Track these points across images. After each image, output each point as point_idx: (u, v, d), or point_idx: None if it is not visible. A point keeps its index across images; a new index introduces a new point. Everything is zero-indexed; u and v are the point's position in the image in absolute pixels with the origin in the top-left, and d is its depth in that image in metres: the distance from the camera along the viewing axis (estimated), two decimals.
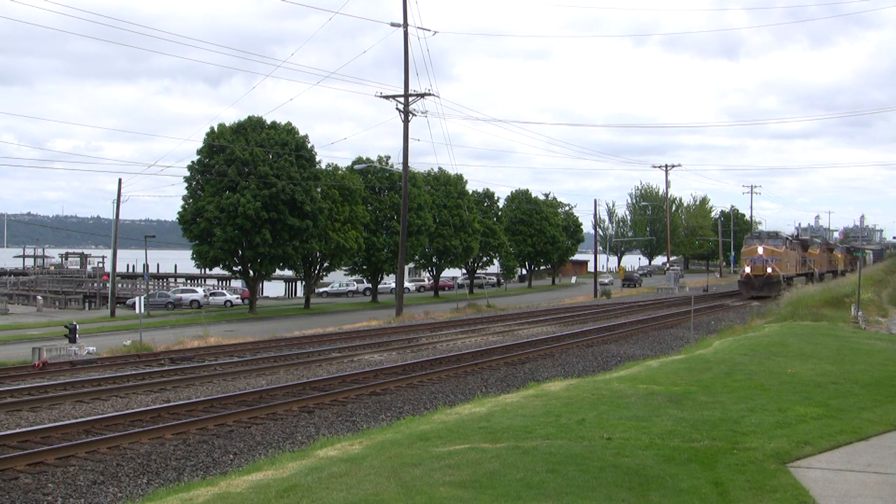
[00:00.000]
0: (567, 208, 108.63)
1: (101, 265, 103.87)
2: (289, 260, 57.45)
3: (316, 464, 9.87)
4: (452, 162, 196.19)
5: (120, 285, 74.76)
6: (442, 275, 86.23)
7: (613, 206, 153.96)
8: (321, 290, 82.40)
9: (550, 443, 10.17)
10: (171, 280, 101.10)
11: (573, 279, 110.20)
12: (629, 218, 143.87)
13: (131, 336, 35.10)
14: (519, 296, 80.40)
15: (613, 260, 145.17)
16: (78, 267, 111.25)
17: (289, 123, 58.42)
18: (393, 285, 67.78)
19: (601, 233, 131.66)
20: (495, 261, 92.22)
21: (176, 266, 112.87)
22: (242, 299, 70.19)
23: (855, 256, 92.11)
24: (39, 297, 74.33)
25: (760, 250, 56.30)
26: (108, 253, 65.58)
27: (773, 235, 60.13)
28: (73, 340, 28.40)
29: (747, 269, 56.85)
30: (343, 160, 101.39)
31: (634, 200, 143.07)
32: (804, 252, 66.50)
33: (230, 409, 17.30)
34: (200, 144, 56.22)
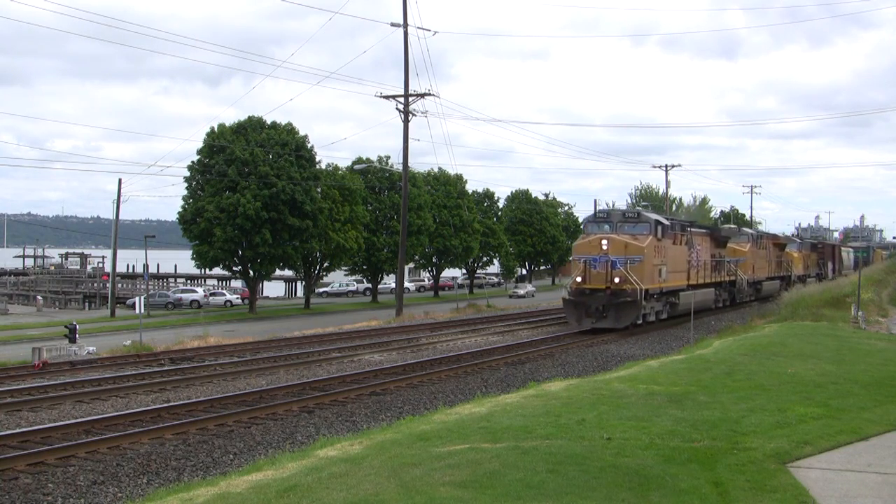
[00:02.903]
0: (567, 208, 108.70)
1: (101, 265, 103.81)
2: (289, 260, 57.46)
3: (316, 464, 9.86)
4: (452, 162, 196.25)
5: (120, 285, 74.76)
6: (442, 275, 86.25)
7: (613, 205, 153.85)
8: (321, 290, 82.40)
9: (550, 443, 10.17)
10: (171, 280, 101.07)
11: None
12: None
13: (131, 336, 35.09)
14: None
15: None
16: (78, 267, 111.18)
17: (289, 124, 58.47)
18: (393, 285, 67.79)
19: None
20: (495, 261, 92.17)
21: (176, 266, 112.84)
22: (242, 299, 70.20)
23: (823, 256, 70.81)
24: (39, 297, 74.35)
25: (605, 244, 31.94)
26: (108, 253, 65.60)
27: (633, 217, 34.19)
28: (73, 340, 28.38)
29: (577, 278, 32.58)
30: (343, 160, 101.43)
31: (634, 200, 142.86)
32: (717, 248, 43.20)
33: (230, 409, 17.30)
34: (200, 144, 56.33)
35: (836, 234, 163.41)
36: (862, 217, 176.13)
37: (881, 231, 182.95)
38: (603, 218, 34.66)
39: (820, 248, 73.76)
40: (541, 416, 12.03)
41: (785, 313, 33.84)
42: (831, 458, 9.82)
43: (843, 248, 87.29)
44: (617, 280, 31.60)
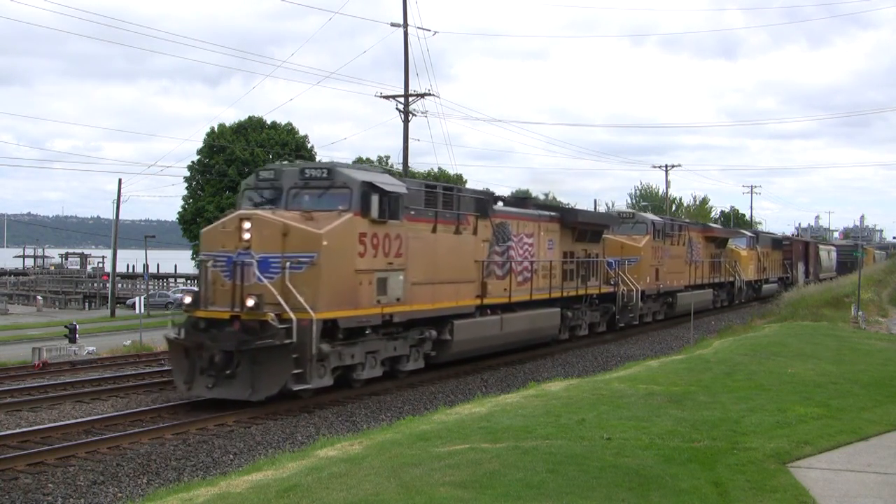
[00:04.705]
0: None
1: (101, 265, 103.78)
2: None
3: (316, 464, 9.87)
4: (452, 162, 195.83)
5: (120, 285, 74.73)
6: None
7: (613, 205, 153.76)
8: None
9: (550, 443, 10.17)
10: (171, 280, 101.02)
11: None
12: None
13: (131, 336, 35.04)
14: None
15: None
16: (78, 267, 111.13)
17: (289, 123, 58.53)
18: None
19: None
20: None
21: (176, 266, 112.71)
22: None
23: (790, 255, 56.58)
24: (39, 297, 74.33)
25: (246, 228, 15.92)
26: (108, 253, 65.62)
27: (321, 178, 17.05)
28: (73, 340, 28.37)
29: (187, 299, 16.95)
30: (343, 160, 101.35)
31: (634, 200, 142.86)
32: (579, 243, 27.99)
33: (230, 408, 17.27)
34: (200, 144, 56.37)
35: (836, 234, 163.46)
36: (862, 217, 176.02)
37: (881, 231, 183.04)
38: (268, 182, 17.91)
39: (786, 246, 57.00)
40: (541, 416, 12.03)
41: (785, 313, 33.91)
42: (831, 458, 9.83)
43: (821, 246, 70.60)
44: (251, 302, 15.75)
